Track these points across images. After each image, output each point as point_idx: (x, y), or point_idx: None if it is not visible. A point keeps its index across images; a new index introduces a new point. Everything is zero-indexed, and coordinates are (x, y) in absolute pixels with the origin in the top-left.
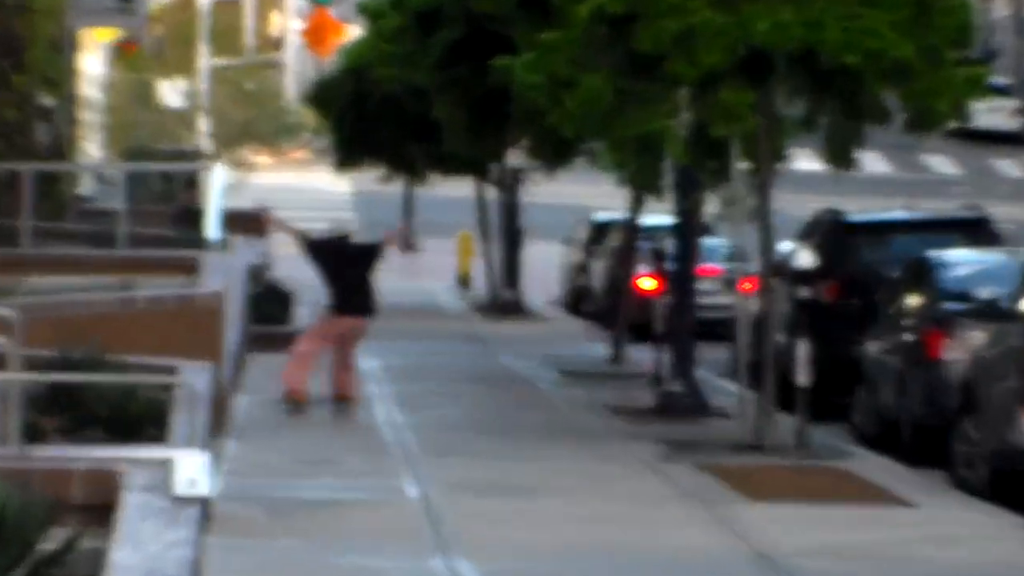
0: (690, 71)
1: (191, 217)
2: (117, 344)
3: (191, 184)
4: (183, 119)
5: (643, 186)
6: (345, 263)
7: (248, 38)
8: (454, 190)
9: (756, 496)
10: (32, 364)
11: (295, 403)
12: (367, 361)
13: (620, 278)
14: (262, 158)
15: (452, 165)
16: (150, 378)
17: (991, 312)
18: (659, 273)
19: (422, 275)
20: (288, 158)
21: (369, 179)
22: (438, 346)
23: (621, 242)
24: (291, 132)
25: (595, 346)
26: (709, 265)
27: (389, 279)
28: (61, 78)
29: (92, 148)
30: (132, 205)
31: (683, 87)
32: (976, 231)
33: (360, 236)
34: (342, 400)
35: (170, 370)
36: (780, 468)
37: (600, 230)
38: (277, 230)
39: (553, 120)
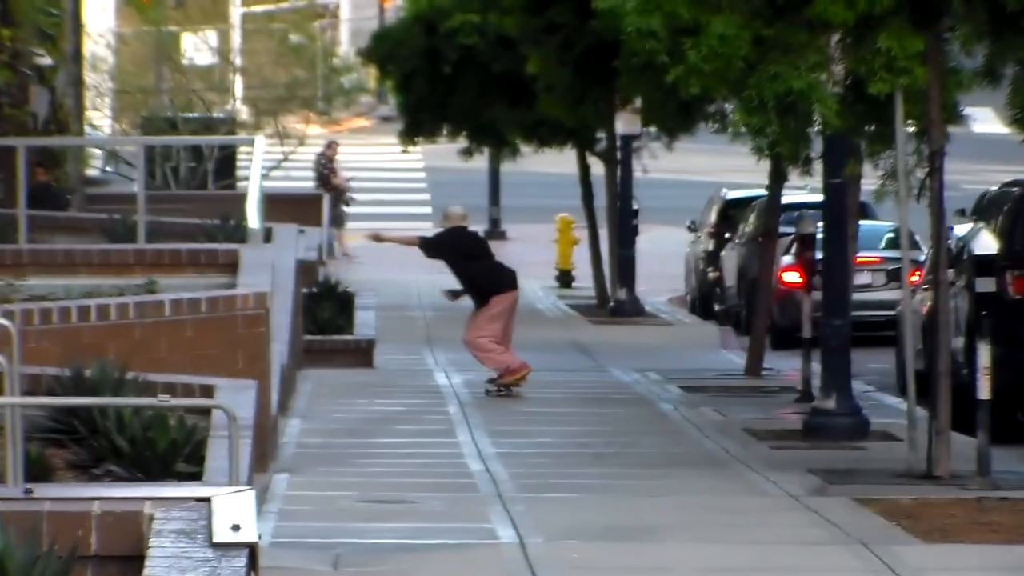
0: (844, 13)
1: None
2: (139, 360)
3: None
4: (212, 81)
5: (786, 156)
6: (470, 250)
7: None
8: (549, 165)
9: (929, 536)
10: (34, 385)
11: (518, 381)
12: (446, 378)
13: (758, 270)
14: (311, 128)
15: (548, 134)
16: (181, 401)
17: None
18: (806, 264)
19: None
20: (343, 128)
21: (445, 153)
22: (534, 358)
23: (759, 226)
24: (347, 96)
25: (728, 355)
26: (867, 253)
27: None
28: (59, 32)
29: (101, 119)
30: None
31: (835, 33)
32: None
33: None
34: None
35: (205, 390)
36: (958, 502)
37: (732, 212)
38: (387, 242)
39: (673, 76)
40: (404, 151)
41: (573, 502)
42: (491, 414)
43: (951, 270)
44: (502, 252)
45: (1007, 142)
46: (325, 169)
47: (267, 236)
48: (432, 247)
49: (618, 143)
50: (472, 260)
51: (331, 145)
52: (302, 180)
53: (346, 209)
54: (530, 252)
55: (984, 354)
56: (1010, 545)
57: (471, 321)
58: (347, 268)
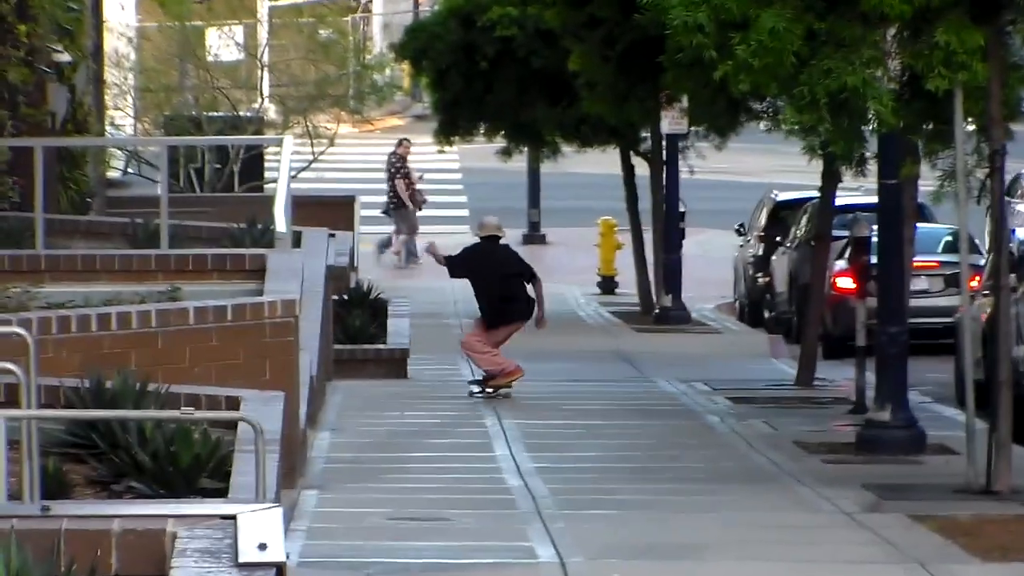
0: (900, 5)
1: None
2: (162, 370)
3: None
4: (239, 78)
5: (839, 156)
6: (482, 268)
7: None
8: (591, 166)
9: (988, 555)
10: (52, 397)
11: (510, 383)
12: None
13: (810, 276)
14: (342, 127)
15: (590, 133)
16: (206, 414)
17: None
18: (860, 269)
19: (552, 275)
20: (376, 127)
21: (482, 153)
22: (575, 368)
23: (811, 229)
24: (380, 94)
25: (779, 364)
26: (924, 258)
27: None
28: (79, 27)
29: (123, 119)
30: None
31: (891, 27)
32: None
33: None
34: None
35: (231, 402)
36: (1019, 519)
37: (783, 214)
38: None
39: (721, 73)
40: (440, 151)
41: (615, 519)
42: (529, 427)
43: (1013, 275)
44: (542, 257)
45: None
46: (398, 169)
47: (296, 241)
48: (453, 267)
49: (663, 143)
50: (482, 279)
51: (403, 143)
52: (333, 182)
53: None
54: (571, 257)
55: None
56: None
57: (474, 325)
58: (379, 274)
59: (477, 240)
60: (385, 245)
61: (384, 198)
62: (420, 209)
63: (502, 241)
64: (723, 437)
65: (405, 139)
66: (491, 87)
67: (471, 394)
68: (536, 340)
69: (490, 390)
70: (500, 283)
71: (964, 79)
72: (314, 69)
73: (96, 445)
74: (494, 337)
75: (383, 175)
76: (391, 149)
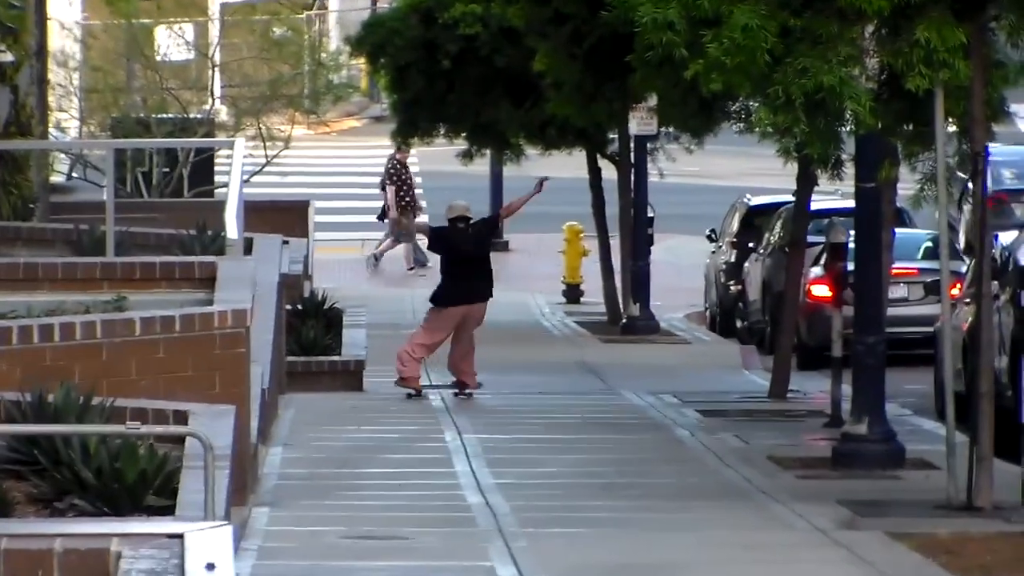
0: (879, 2)
1: None
2: (107, 383)
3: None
4: (189, 78)
5: (814, 158)
6: (460, 248)
7: None
8: (557, 169)
9: (969, 574)
10: None
11: (411, 389)
12: (443, 402)
13: (785, 283)
14: (297, 129)
15: (555, 135)
16: (152, 428)
17: None
18: (836, 276)
19: (515, 283)
20: (332, 129)
21: (442, 156)
22: (539, 380)
23: (785, 235)
24: (335, 92)
25: (751, 376)
26: (903, 264)
27: None
28: (22, 25)
29: (68, 121)
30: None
31: (869, 23)
32: None
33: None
34: (462, 387)
35: (179, 416)
36: (1001, 536)
37: (756, 219)
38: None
39: (692, 72)
40: (397, 149)
41: (581, 538)
42: (491, 442)
43: (995, 282)
44: (505, 264)
45: None
46: (395, 174)
47: (248, 248)
48: (434, 238)
49: (632, 144)
50: (449, 259)
51: (401, 148)
52: (287, 186)
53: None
54: (535, 264)
55: None
56: None
57: (422, 325)
58: (334, 282)
59: (445, 224)
60: (377, 258)
61: (380, 203)
62: (416, 216)
63: (472, 221)
64: (693, 452)
65: (405, 144)
66: (452, 86)
67: (455, 395)
68: (499, 351)
69: (469, 392)
70: (468, 262)
71: (945, 78)
72: (267, 69)
73: (38, 462)
74: (434, 335)
75: (335, 178)
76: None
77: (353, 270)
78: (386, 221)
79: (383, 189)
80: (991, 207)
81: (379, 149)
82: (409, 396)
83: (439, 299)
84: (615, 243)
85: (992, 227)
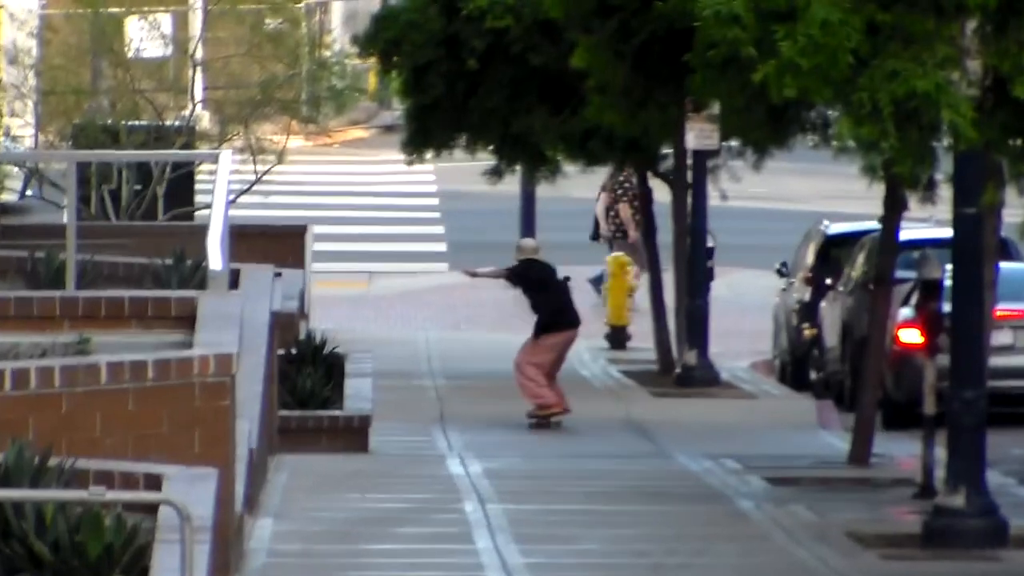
0: None
1: None
2: (67, 440)
3: None
4: (165, 79)
5: (905, 178)
6: (540, 281)
7: None
8: (596, 189)
9: None
10: None
11: (550, 416)
12: (462, 466)
13: (868, 327)
14: (293, 140)
15: (599, 149)
16: (119, 494)
17: None
18: (929, 319)
19: None
20: (335, 140)
21: (465, 174)
22: (577, 441)
23: (869, 270)
24: (339, 99)
25: (828, 437)
26: (1008, 306)
27: (495, 333)
28: None
29: (22, 128)
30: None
31: (971, 19)
32: None
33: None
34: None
35: (151, 481)
36: None
37: (835, 251)
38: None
39: (761, 75)
40: (408, 162)
41: None
42: (519, 513)
43: None
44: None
45: None
46: (625, 190)
47: (234, 280)
48: (515, 276)
49: (689, 161)
50: (540, 291)
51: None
52: (281, 208)
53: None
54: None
55: None
56: None
57: (526, 345)
58: (335, 321)
59: (517, 263)
60: (600, 281)
61: (599, 223)
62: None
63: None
64: (758, 527)
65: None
66: (476, 90)
67: (530, 426)
68: (529, 405)
69: (538, 420)
70: (560, 290)
71: None
72: (259, 68)
73: None
74: (545, 353)
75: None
76: (352, 167)
77: (356, 307)
78: (603, 239)
79: (614, 207)
80: None
81: (388, 165)
82: (543, 420)
83: (547, 328)
84: (668, 278)
85: None
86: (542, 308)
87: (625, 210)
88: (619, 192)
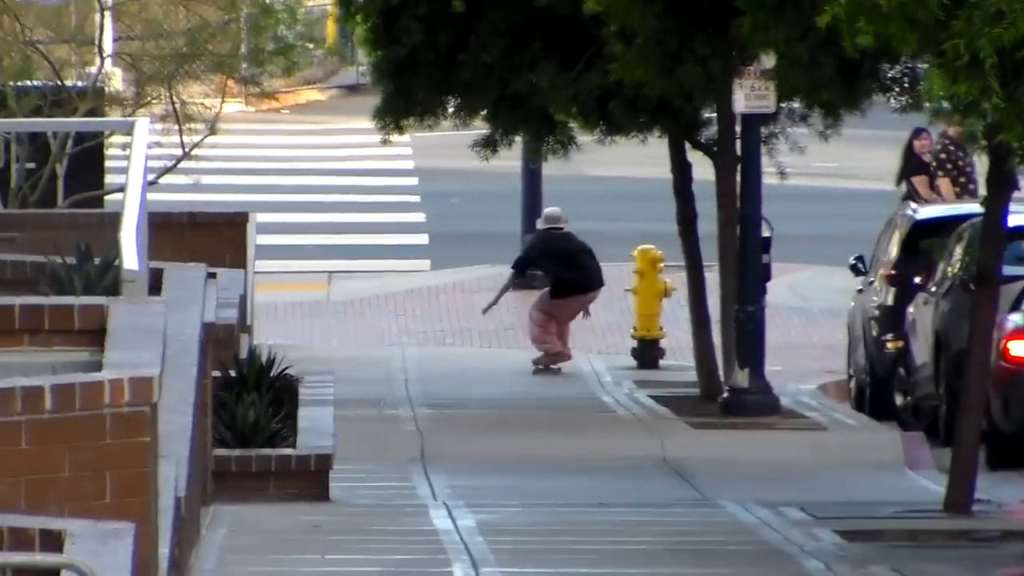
0: None
1: None
2: None
3: None
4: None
5: (1015, 147)
6: (569, 247)
7: None
8: (620, 166)
9: None
10: None
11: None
12: (450, 519)
13: (969, 339)
14: (230, 104)
15: (622, 113)
16: (9, 557)
17: None
18: None
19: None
20: (283, 104)
21: (450, 146)
22: (599, 485)
23: (970, 265)
24: (289, 53)
25: (918, 478)
26: None
27: (490, 348)
28: None
29: None
30: None
31: None
32: None
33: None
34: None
35: (50, 539)
36: None
37: (925, 241)
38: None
39: (828, 18)
40: (383, 141)
41: None
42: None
43: None
44: None
45: None
46: (950, 159)
47: (156, 284)
48: (523, 266)
49: (737, 128)
50: (555, 260)
51: (922, 134)
52: (215, 191)
53: None
54: (591, 308)
55: None
56: None
57: (542, 295)
58: (283, 335)
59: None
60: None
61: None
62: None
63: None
64: None
65: (924, 129)
66: (466, 40)
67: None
68: (538, 441)
69: (540, 367)
70: (583, 254)
71: None
72: (185, 13)
73: None
74: (561, 311)
75: (283, 179)
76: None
77: (312, 316)
78: None
79: (925, 184)
80: None
81: (352, 135)
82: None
83: (563, 289)
84: (711, 277)
85: None
86: (559, 272)
87: (946, 185)
88: (936, 165)
